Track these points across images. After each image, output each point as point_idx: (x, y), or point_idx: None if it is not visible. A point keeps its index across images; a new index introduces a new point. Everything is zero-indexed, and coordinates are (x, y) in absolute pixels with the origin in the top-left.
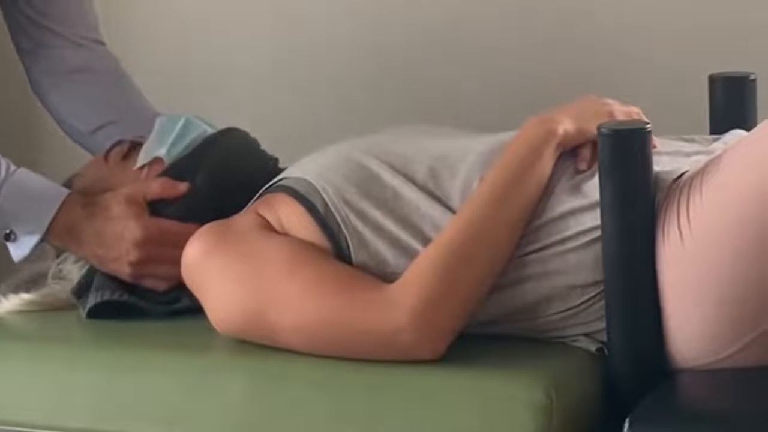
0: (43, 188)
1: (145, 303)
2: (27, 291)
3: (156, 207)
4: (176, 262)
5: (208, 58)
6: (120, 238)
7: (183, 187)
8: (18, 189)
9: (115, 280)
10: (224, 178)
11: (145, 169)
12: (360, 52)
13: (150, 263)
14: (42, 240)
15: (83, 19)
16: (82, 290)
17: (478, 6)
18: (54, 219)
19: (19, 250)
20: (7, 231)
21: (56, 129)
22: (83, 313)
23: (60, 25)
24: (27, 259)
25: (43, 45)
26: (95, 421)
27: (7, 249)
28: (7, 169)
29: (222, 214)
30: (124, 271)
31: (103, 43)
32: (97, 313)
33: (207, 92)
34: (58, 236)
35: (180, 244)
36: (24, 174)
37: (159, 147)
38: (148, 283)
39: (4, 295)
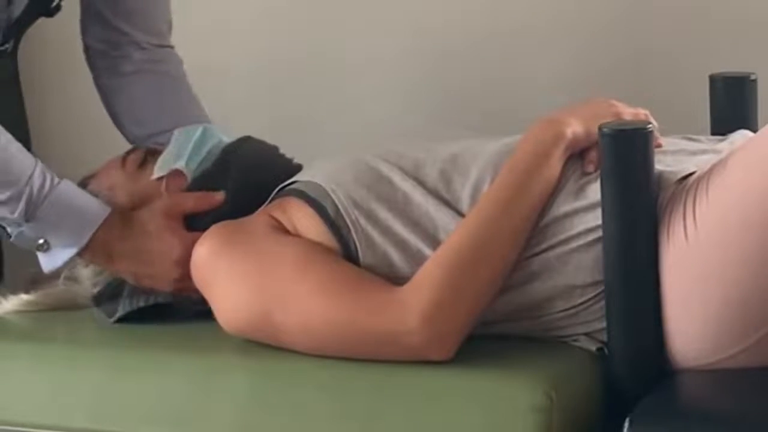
0: (85, 203)
1: (178, 303)
2: (28, 291)
3: (191, 221)
4: None
5: (208, 58)
6: (160, 255)
7: (218, 197)
8: (61, 201)
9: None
10: (253, 184)
11: (164, 181)
12: (363, 55)
13: (190, 278)
14: (77, 254)
15: (158, 24)
16: (105, 297)
17: (479, 6)
18: (94, 235)
19: (50, 261)
20: (41, 241)
21: (55, 128)
22: (107, 317)
23: (133, 29)
24: (56, 271)
25: (115, 46)
26: (96, 421)
27: (17, 251)
28: (52, 180)
29: None
30: (164, 287)
31: (172, 47)
32: (128, 318)
33: (205, 93)
34: (94, 252)
35: None
36: (68, 186)
37: (177, 159)
38: (189, 294)
39: (5, 295)
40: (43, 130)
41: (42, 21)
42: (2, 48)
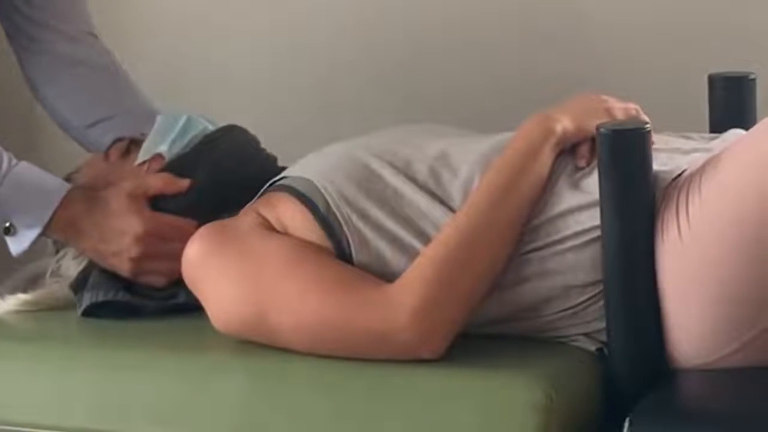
0: (44, 182)
1: (140, 300)
2: (26, 291)
3: (157, 203)
4: (176, 257)
5: (206, 56)
6: (121, 232)
7: (184, 183)
8: (19, 182)
9: (110, 279)
10: (224, 175)
11: (146, 165)
12: (360, 52)
13: (150, 258)
14: (42, 233)
15: (78, 13)
16: (79, 285)
17: (479, 5)
18: (55, 213)
19: (18, 244)
20: (7, 224)
21: (54, 127)
22: (79, 311)
23: (55, 20)
24: (25, 253)
25: (38, 40)
26: (95, 421)
27: (7, 248)
28: (9, 161)
29: (221, 211)
30: (123, 266)
31: (96, 37)
32: (92, 312)
33: (205, 90)
34: (59, 230)
35: (181, 239)
36: (26, 167)
37: (160, 144)
38: (148, 279)
39: (2, 295)
40: (41, 128)
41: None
42: None
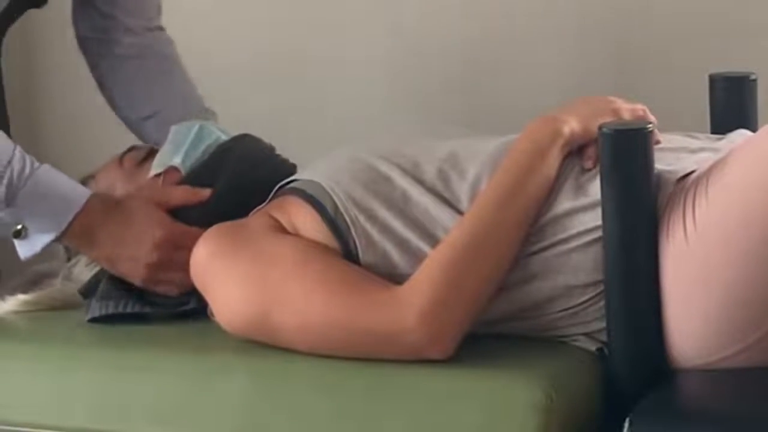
0: (66, 187)
1: (149, 309)
2: (28, 292)
3: (176, 214)
4: (180, 278)
5: (207, 56)
6: (140, 239)
7: (205, 193)
8: (42, 185)
9: (120, 288)
10: (242, 184)
11: (161, 178)
12: (362, 53)
13: (166, 267)
14: (56, 239)
15: (147, 9)
16: (89, 291)
17: (480, 6)
18: (74, 219)
19: (28, 247)
20: (19, 227)
21: (56, 125)
22: (87, 317)
23: (121, 13)
24: (33, 258)
25: (104, 31)
26: (95, 421)
27: (14, 249)
28: (32, 165)
29: (239, 217)
30: (138, 272)
31: (162, 29)
32: (100, 320)
33: (205, 90)
34: (74, 237)
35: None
36: (48, 171)
37: (173, 156)
38: (161, 288)
39: (2, 296)
40: (26, 125)
41: (27, 15)
42: None
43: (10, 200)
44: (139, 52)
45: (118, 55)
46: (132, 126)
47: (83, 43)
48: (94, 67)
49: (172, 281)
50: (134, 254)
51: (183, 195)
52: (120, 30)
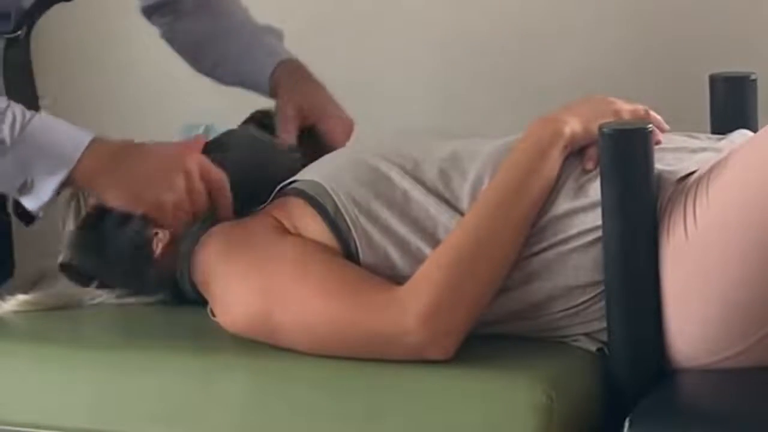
0: (69, 129)
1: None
2: (28, 292)
3: None
4: (199, 211)
5: None
6: (169, 161)
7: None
8: (46, 124)
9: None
10: (249, 184)
11: None
12: (363, 54)
13: (188, 194)
14: (65, 183)
15: None
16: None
17: (480, 7)
18: (84, 154)
19: (36, 197)
20: (25, 179)
21: (67, 115)
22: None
23: None
24: (45, 207)
25: None
26: (95, 421)
27: (24, 246)
28: (23, 115)
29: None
30: (163, 198)
31: None
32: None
33: (207, 91)
34: (89, 171)
35: (220, 192)
36: (48, 117)
37: None
38: (176, 215)
39: (2, 296)
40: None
41: (55, 7)
42: (15, 35)
43: (14, 140)
44: (199, 7)
45: (179, 14)
46: (205, 71)
47: (148, 13)
48: (164, 34)
49: (186, 210)
50: (160, 181)
51: (219, 179)
52: None
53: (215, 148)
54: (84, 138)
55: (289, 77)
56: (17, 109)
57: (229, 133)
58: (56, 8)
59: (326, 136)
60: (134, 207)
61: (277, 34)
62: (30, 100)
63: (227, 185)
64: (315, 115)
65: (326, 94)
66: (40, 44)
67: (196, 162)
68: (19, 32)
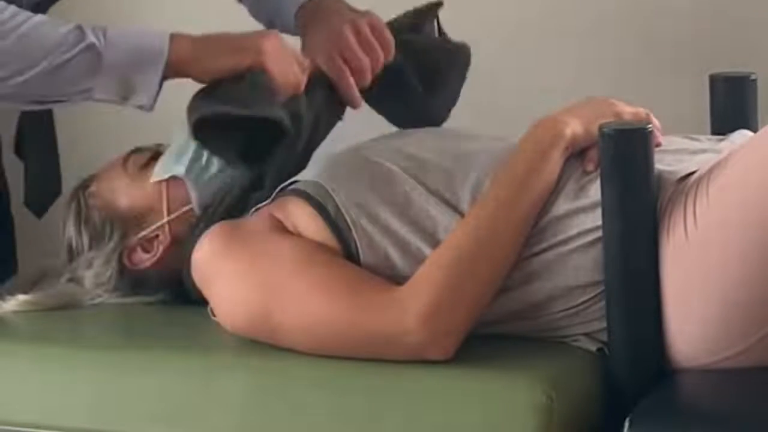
0: (143, 28)
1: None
2: (28, 292)
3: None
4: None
5: None
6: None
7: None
8: (120, 30)
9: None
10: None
11: (164, 184)
12: None
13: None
14: (165, 68)
15: None
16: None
17: (480, 7)
18: (171, 42)
19: (145, 95)
20: (126, 78)
21: (79, 112)
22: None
23: None
24: (155, 100)
25: None
26: (95, 421)
27: (27, 244)
28: (95, 29)
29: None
30: (272, 45)
31: None
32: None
33: None
34: (182, 58)
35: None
36: (115, 27)
37: (176, 164)
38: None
39: (2, 296)
40: (57, 116)
41: (63, 5)
42: None
43: (103, 46)
44: None
45: None
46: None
47: None
48: None
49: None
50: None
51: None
52: None
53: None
54: (162, 33)
55: (312, 19)
56: (87, 27)
57: None
58: (59, 6)
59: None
60: (241, 60)
61: None
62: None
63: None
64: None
65: (346, 21)
66: None
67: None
68: None
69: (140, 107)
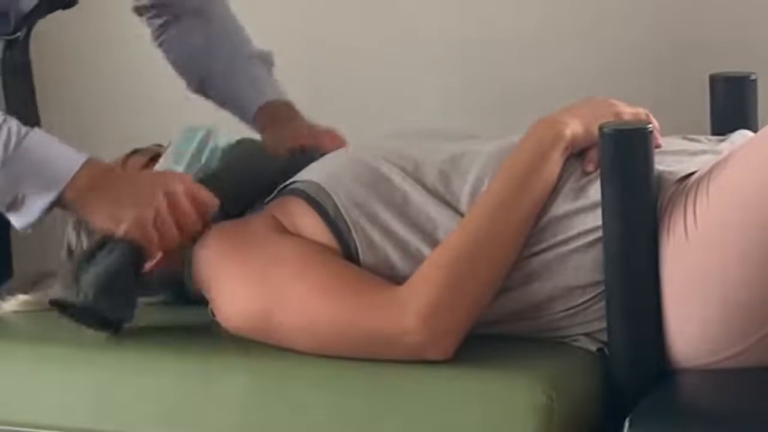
0: (63, 149)
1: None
2: (28, 292)
3: None
4: (187, 231)
5: None
6: (152, 185)
7: (214, 203)
8: (41, 141)
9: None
10: (246, 190)
11: None
12: (363, 56)
13: (171, 213)
14: (56, 199)
15: None
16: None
17: (480, 7)
18: (76, 174)
19: (25, 215)
20: (16, 194)
21: (66, 116)
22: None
23: None
24: (33, 226)
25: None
26: (95, 421)
27: (25, 247)
28: (18, 132)
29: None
30: (144, 215)
31: None
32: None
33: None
34: (78, 194)
35: (201, 217)
36: (43, 134)
37: (176, 163)
38: (161, 235)
39: (2, 296)
40: (54, 118)
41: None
42: (14, 36)
43: (7, 157)
44: (193, 13)
45: (173, 20)
46: (192, 87)
47: (142, 14)
48: (156, 39)
49: (170, 233)
50: (143, 200)
51: (205, 197)
52: None
53: (224, 155)
54: (77, 159)
55: (273, 123)
56: (13, 124)
57: (241, 142)
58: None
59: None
60: (116, 228)
61: (269, 63)
62: (28, 101)
63: (214, 207)
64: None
65: (311, 127)
66: (39, 46)
67: (181, 181)
68: (19, 34)
69: (17, 227)
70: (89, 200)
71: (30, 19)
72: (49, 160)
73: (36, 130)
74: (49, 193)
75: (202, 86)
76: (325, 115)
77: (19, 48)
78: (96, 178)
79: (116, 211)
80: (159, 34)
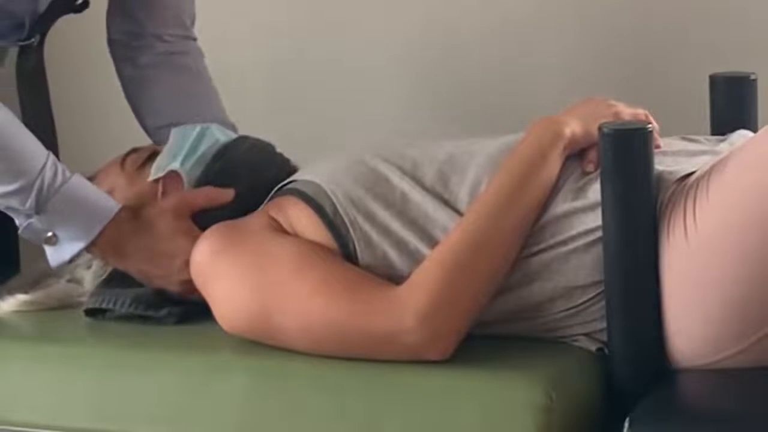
0: (97, 198)
1: (153, 311)
2: (28, 292)
3: (197, 217)
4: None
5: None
6: (171, 255)
7: (229, 193)
8: (72, 194)
9: (125, 285)
10: (260, 185)
11: (161, 183)
12: (364, 51)
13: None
14: (85, 248)
15: (179, 18)
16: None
17: (480, 7)
18: (103, 230)
19: (58, 254)
20: (50, 234)
21: (80, 122)
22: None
23: (154, 20)
24: (64, 265)
25: (136, 38)
26: (95, 421)
27: (29, 248)
28: (64, 173)
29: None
30: (173, 288)
31: (194, 39)
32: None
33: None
34: (103, 248)
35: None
36: (80, 180)
37: (172, 160)
38: (197, 296)
39: (2, 296)
40: (69, 123)
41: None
42: (28, 42)
43: (40, 208)
44: (168, 60)
45: (146, 63)
46: (151, 134)
47: (113, 46)
48: (120, 71)
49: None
50: (166, 273)
51: (206, 198)
52: (151, 37)
53: (228, 153)
54: (106, 213)
55: None
56: (49, 172)
57: (240, 139)
58: (68, 16)
59: None
60: (146, 283)
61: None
62: (44, 107)
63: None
64: None
65: None
66: (52, 51)
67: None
68: (33, 39)
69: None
70: (115, 253)
71: (43, 23)
72: (79, 212)
73: (73, 177)
74: (79, 243)
75: (157, 130)
76: (325, 115)
77: (34, 54)
78: (123, 232)
79: (141, 269)
80: (128, 74)
